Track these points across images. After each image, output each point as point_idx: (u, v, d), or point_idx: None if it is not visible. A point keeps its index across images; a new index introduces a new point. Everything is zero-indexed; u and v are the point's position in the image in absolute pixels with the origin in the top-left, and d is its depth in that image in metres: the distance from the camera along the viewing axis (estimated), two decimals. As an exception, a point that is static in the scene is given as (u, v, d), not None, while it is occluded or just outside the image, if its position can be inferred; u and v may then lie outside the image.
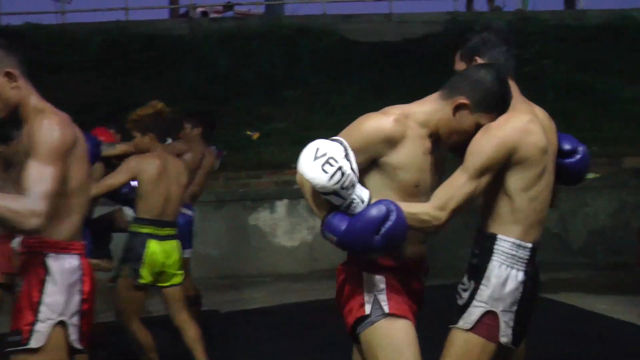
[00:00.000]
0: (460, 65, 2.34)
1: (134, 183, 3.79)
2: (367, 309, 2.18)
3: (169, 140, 4.56)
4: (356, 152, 2.06)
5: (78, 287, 2.14)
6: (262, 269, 6.68)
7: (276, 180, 7.00)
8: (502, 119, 2.17)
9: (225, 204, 6.67)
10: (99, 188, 3.64)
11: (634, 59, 9.16)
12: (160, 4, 11.55)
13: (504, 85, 2.18)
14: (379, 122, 2.13)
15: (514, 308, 2.22)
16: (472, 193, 2.13)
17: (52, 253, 2.10)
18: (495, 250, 2.23)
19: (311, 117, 7.94)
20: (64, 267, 2.11)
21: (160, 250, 3.72)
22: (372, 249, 2.03)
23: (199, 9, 11.23)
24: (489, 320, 2.21)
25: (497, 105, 2.17)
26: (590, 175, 6.07)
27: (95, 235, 3.99)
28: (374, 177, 2.17)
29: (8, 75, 2.05)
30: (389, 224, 2.00)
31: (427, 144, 2.17)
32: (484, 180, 2.13)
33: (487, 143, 2.13)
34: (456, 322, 2.25)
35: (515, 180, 2.18)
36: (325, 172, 1.95)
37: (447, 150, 2.25)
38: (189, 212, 4.59)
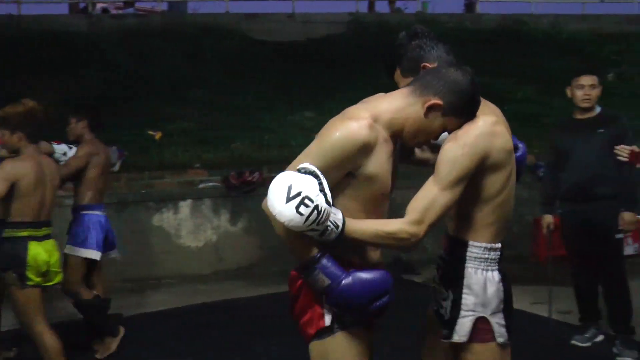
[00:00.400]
0: (405, 81, 2.23)
1: None
2: (327, 320, 2.11)
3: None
4: (332, 169, 1.96)
5: None
6: (167, 271, 6.61)
7: (179, 181, 6.94)
8: (468, 123, 2.09)
9: (127, 206, 6.55)
10: None
11: (526, 61, 9.66)
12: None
13: (477, 89, 2.11)
14: (352, 131, 1.97)
15: (501, 307, 2.20)
16: (448, 204, 2.05)
17: None
18: (467, 257, 2.20)
19: (215, 116, 7.90)
20: None
21: (42, 250, 3.72)
22: (363, 311, 2.02)
23: (100, 5, 10.91)
24: (481, 324, 2.18)
25: (469, 112, 2.10)
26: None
27: None
28: (343, 189, 2.05)
29: None
30: (386, 298, 2.02)
31: (390, 146, 2.07)
32: (458, 190, 2.05)
33: (459, 152, 2.04)
34: (449, 336, 2.21)
35: (487, 186, 2.13)
36: (301, 214, 1.85)
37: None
38: (99, 213, 4.65)
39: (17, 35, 8.74)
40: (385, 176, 2.06)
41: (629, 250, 6.55)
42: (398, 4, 11.64)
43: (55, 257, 3.83)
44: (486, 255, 2.20)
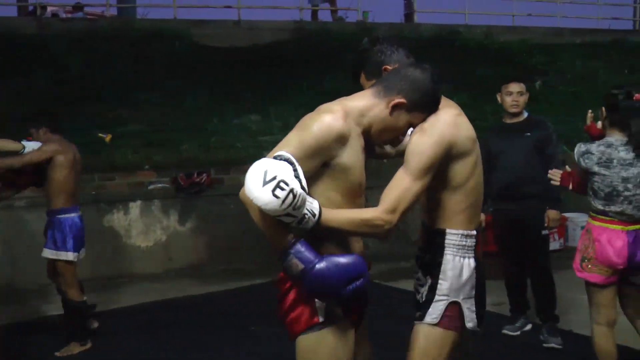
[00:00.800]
0: (369, 84, 2.29)
1: None
2: (321, 317, 2.13)
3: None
4: (308, 157, 2.01)
5: None
6: (119, 270, 6.66)
7: (129, 182, 6.98)
8: (432, 116, 2.18)
9: (87, 206, 6.55)
10: None
11: (461, 69, 10.02)
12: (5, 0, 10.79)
13: (438, 86, 2.20)
14: (328, 122, 2.04)
15: (473, 293, 2.27)
16: (419, 192, 2.11)
17: None
18: (446, 245, 2.26)
19: (163, 119, 7.95)
20: None
21: None
22: (337, 295, 2.01)
23: (50, 9, 10.77)
24: (449, 312, 2.25)
25: (432, 107, 2.19)
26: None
27: None
28: (320, 180, 2.10)
29: None
30: (361, 281, 2.01)
31: (362, 141, 2.14)
32: (427, 179, 2.12)
33: (427, 144, 2.12)
34: (421, 318, 2.27)
35: (455, 174, 2.21)
36: (277, 197, 1.87)
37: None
38: (75, 215, 4.66)
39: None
40: (360, 167, 2.13)
41: (554, 245, 6.92)
42: (340, 13, 11.81)
43: None
44: (463, 242, 2.27)
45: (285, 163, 1.94)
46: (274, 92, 8.66)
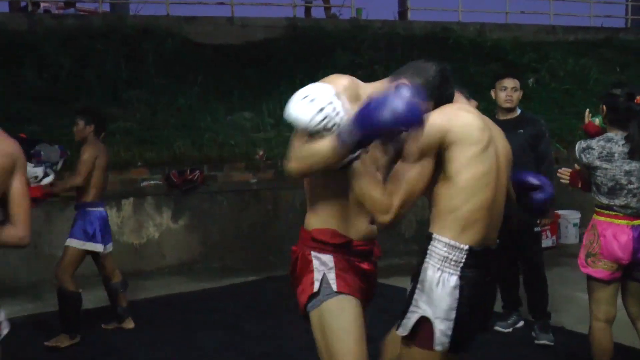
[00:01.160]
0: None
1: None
2: (316, 286, 2.23)
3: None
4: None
5: None
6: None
7: (122, 179, 6.96)
8: (434, 111, 2.19)
9: (70, 204, 6.54)
10: None
11: (454, 66, 10.03)
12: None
13: (445, 78, 2.24)
14: (347, 77, 2.24)
15: (452, 315, 2.10)
16: (417, 177, 2.12)
17: None
18: (428, 252, 2.17)
19: (156, 116, 7.94)
20: None
21: None
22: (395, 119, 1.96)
23: (43, 5, 10.73)
24: (422, 329, 2.15)
25: (434, 95, 2.20)
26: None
27: None
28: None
29: None
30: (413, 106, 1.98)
31: None
32: (423, 163, 2.12)
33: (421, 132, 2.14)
34: (397, 327, 2.23)
35: (449, 163, 2.16)
36: (312, 108, 1.98)
37: None
38: (102, 209, 4.91)
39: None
40: None
41: (546, 242, 6.99)
42: (333, 10, 11.82)
43: None
44: (447, 254, 2.13)
45: (327, 85, 2.05)
46: (267, 89, 8.66)
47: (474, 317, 2.16)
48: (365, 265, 2.35)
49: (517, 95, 4.61)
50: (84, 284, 5.05)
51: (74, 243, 4.76)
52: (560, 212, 7.36)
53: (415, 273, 2.21)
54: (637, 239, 3.36)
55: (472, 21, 11.92)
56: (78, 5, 11.54)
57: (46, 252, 6.28)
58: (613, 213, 3.41)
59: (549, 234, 7.29)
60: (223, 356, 4.53)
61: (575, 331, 4.65)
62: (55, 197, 5.35)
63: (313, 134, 2.01)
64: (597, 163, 3.41)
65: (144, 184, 7.04)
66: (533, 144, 4.53)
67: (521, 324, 4.84)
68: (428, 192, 2.22)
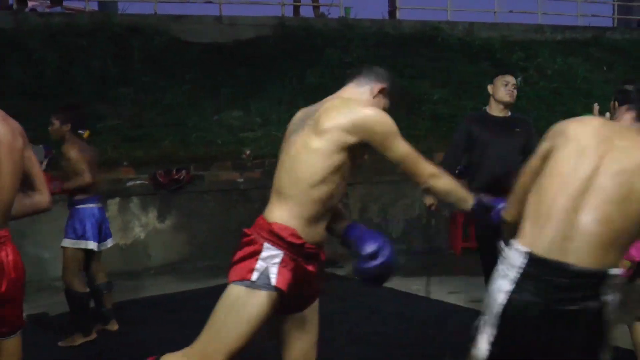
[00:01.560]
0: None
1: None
2: (255, 276, 2.32)
3: None
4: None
5: None
6: (96, 268, 6.59)
7: (108, 179, 6.90)
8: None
9: (55, 203, 6.45)
10: None
11: (442, 65, 10.06)
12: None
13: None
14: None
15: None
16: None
17: None
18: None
19: (143, 115, 7.90)
20: None
21: None
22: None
23: (30, 3, 10.65)
24: None
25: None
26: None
27: None
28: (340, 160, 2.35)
29: None
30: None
31: None
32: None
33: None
34: None
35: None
36: None
37: None
38: (93, 205, 4.79)
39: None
40: None
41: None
42: (322, 9, 11.82)
43: None
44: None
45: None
46: (255, 88, 8.63)
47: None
48: (310, 267, 2.44)
49: (515, 93, 4.59)
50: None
51: (66, 243, 4.70)
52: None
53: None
54: None
55: (460, 20, 11.97)
56: (65, 3, 11.46)
57: (31, 252, 6.19)
58: None
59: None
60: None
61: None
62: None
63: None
64: None
65: (130, 183, 6.99)
66: (527, 143, 4.51)
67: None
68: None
